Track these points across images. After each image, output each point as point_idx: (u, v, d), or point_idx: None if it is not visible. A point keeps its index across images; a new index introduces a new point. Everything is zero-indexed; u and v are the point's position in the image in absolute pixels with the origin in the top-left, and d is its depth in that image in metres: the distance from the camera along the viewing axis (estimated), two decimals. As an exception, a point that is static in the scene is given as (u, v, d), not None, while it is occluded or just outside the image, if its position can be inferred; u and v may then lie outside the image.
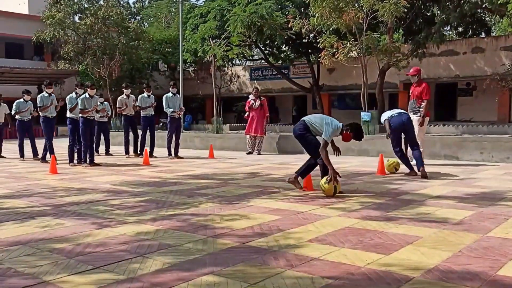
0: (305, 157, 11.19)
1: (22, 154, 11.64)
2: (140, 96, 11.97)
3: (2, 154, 12.40)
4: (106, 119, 12.81)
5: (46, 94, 10.40)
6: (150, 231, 4.22)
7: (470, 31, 20.44)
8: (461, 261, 3.27)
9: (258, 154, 11.81)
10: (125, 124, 12.14)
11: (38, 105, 10.36)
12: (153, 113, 12.07)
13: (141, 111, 11.83)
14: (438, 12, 18.10)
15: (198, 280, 2.97)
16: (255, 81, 28.46)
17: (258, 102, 11.74)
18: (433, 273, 3.04)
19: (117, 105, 12.34)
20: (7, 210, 5.28)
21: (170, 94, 11.30)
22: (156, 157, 11.44)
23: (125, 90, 12.41)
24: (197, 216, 4.82)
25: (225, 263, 3.30)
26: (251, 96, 11.98)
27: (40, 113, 10.36)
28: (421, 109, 8.76)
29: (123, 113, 12.21)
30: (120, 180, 7.71)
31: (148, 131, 11.87)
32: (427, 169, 8.46)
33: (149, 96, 11.95)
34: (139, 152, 11.85)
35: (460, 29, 20.94)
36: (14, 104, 11.47)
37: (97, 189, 6.77)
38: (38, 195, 6.28)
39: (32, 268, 3.25)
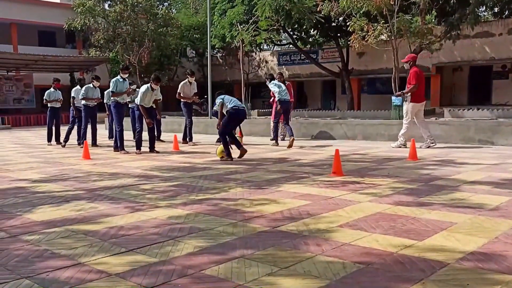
0: (334, 142, 11.15)
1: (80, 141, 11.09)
2: (182, 83, 11.68)
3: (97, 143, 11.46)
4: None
5: (121, 79, 9.79)
6: (181, 215, 4.27)
7: (507, 12, 19.69)
8: (497, 247, 3.19)
9: (281, 139, 11.71)
10: (185, 110, 11.59)
11: (111, 89, 9.82)
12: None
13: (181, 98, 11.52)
14: (473, -8, 17.47)
15: (229, 264, 2.99)
16: (283, 66, 28.28)
17: None
18: (468, 259, 2.97)
19: (178, 91, 11.69)
20: (43, 194, 5.44)
21: (187, 82, 11.39)
22: (196, 143, 11.49)
23: (189, 77, 11.52)
24: (227, 201, 4.84)
25: (256, 247, 3.31)
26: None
27: (111, 98, 9.91)
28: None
29: (182, 100, 11.61)
30: (150, 165, 7.82)
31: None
32: (462, 153, 8.28)
33: (191, 83, 11.67)
34: (188, 140, 11.46)
35: (496, 10, 20.21)
36: (73, 90, 11.53)
37: (128, 174, 6.89)
38: (73, 180, 6.44)
39: (68, 250, 3.34)
